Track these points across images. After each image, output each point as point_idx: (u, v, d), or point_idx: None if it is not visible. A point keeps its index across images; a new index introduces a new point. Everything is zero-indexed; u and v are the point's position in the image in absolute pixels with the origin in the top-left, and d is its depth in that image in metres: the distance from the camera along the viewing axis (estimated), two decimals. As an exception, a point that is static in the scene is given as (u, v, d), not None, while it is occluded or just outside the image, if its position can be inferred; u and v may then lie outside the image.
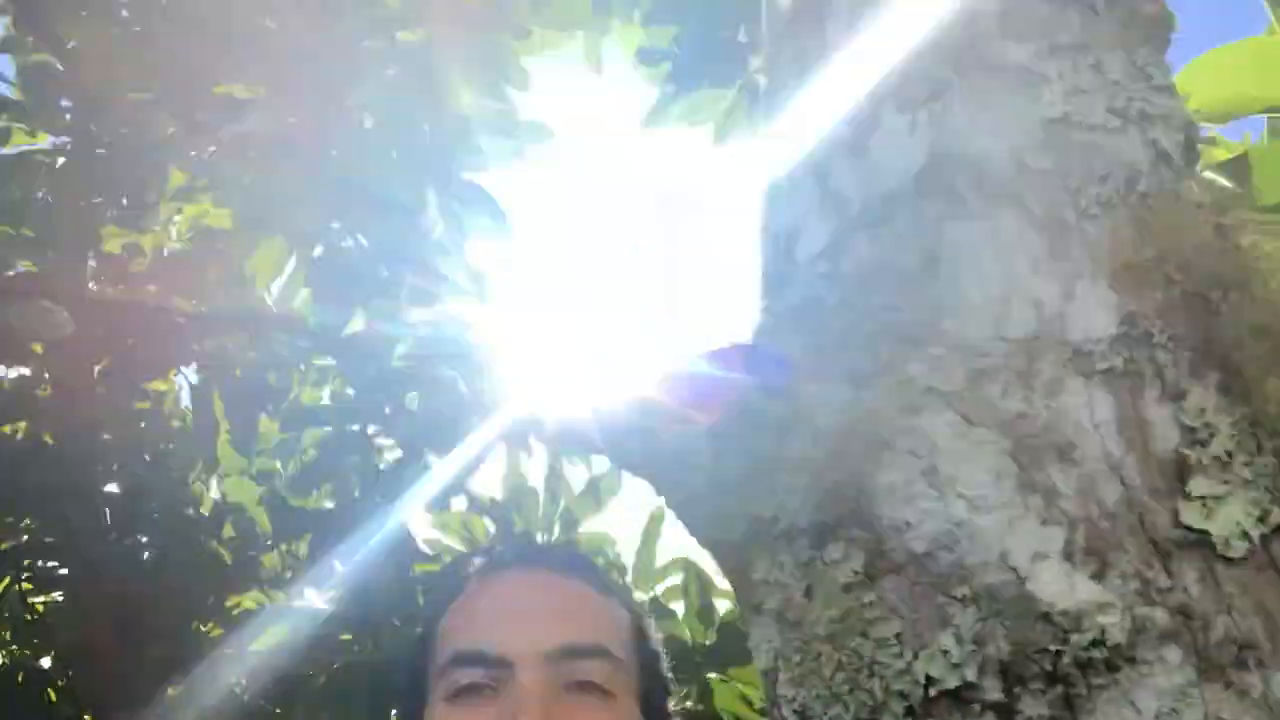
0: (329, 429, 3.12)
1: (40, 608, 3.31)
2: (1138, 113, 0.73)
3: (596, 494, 3.01)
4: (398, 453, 3.29)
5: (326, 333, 2.96)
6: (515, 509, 3.02)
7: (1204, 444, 0.60)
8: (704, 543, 0.67)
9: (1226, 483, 0.59)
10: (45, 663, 3.33)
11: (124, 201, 2.69)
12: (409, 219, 2.71)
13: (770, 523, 0.62)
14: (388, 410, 3.36)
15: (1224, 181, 1.10)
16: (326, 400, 3.20)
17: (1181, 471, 0.59)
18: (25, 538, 2.74)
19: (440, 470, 3.23)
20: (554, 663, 0.85)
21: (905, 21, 0.81)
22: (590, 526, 3.06)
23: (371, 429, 3.34)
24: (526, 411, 3.30)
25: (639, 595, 3.09)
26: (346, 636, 3.05)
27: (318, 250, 2.74)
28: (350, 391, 3.27)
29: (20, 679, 3.16)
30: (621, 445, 0.65)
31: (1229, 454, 0.60)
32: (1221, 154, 1.17)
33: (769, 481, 0.63)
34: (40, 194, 2.84)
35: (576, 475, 3.25)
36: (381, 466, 3.32)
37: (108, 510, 2.77)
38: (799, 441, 0.63)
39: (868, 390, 0.65)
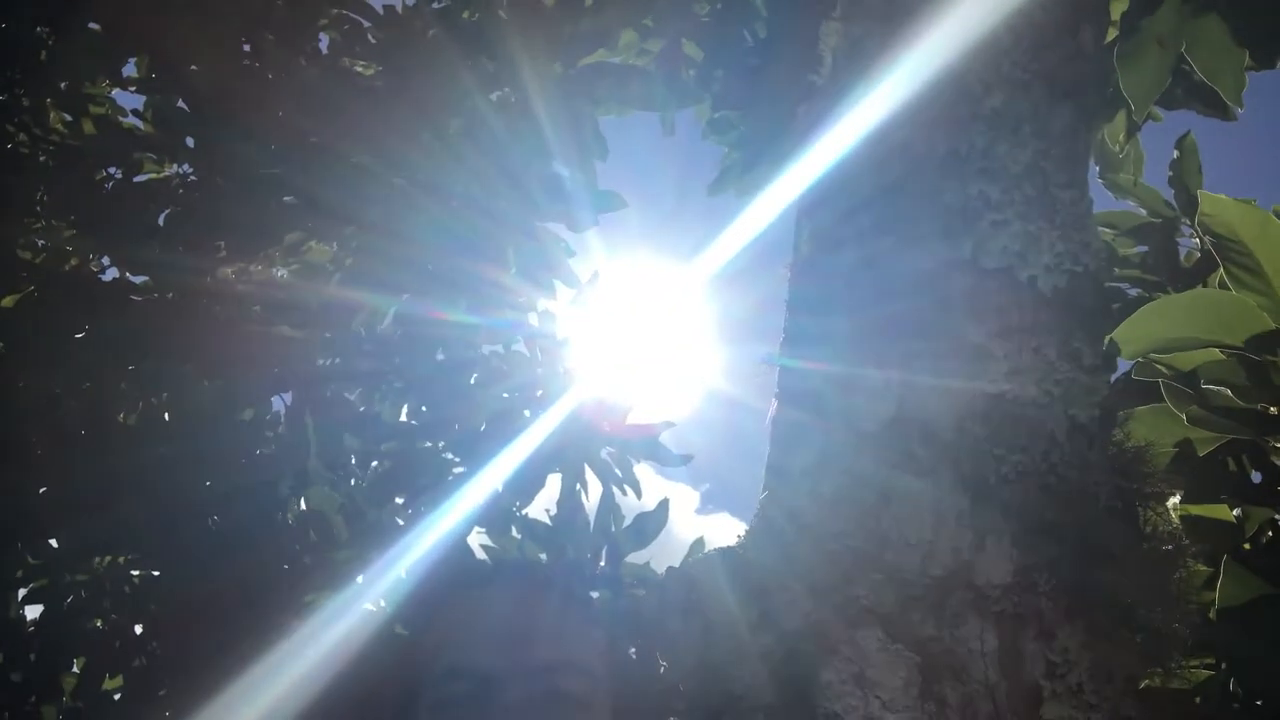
0: (403, 444, 3.42)
1: (137, 580, 3.66)
2: (1063, 391, 0.94)
3: (642, 531, 3.26)
4: (463, 469, 3.57)
5: (410, 361, 3.26)
6: (567, 537, 3.28)
7: (1062, 676, 0.82)
8: (690, 709, 0.90)
9: (1073, 708, 0.81)
10: (138, 629, 3.68)
11: (238, 231, 3.01)
12: (488, 268, 2.98)
13: (739, 699, 0.85)
14: (457, 428, 3.64)
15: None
16: (404, 417, 3.51)
17: (1040, 697, 0.81)
18: (131, 525, 3.09)
19: (497, 487, 3.49)
20: (536, 677, 0.94)
21: (897, 284, 1.03)
22: (634, 558, 3.32)
23: (441, 445, 3.62)
24: (584, 430, 3.56)
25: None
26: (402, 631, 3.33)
27: (405, 296, 3.03)
28: (425, 409, 3.56)
29: (117, 645, 3.53)
30: (645, 629, 0.89)
31: (1080, 685, 0.82)
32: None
33: (742, 666, 0.86)
34: (163, 218, 3.16)
35: (628, 504, 3.50)
36: (449, 479, 3.60)
37: (204, 505, 3.10)
38: (768, 638, 0.86)
39: (824, 602, 0.87)
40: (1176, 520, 1.14)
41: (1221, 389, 1.19)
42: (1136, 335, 1.12)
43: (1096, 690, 0.81)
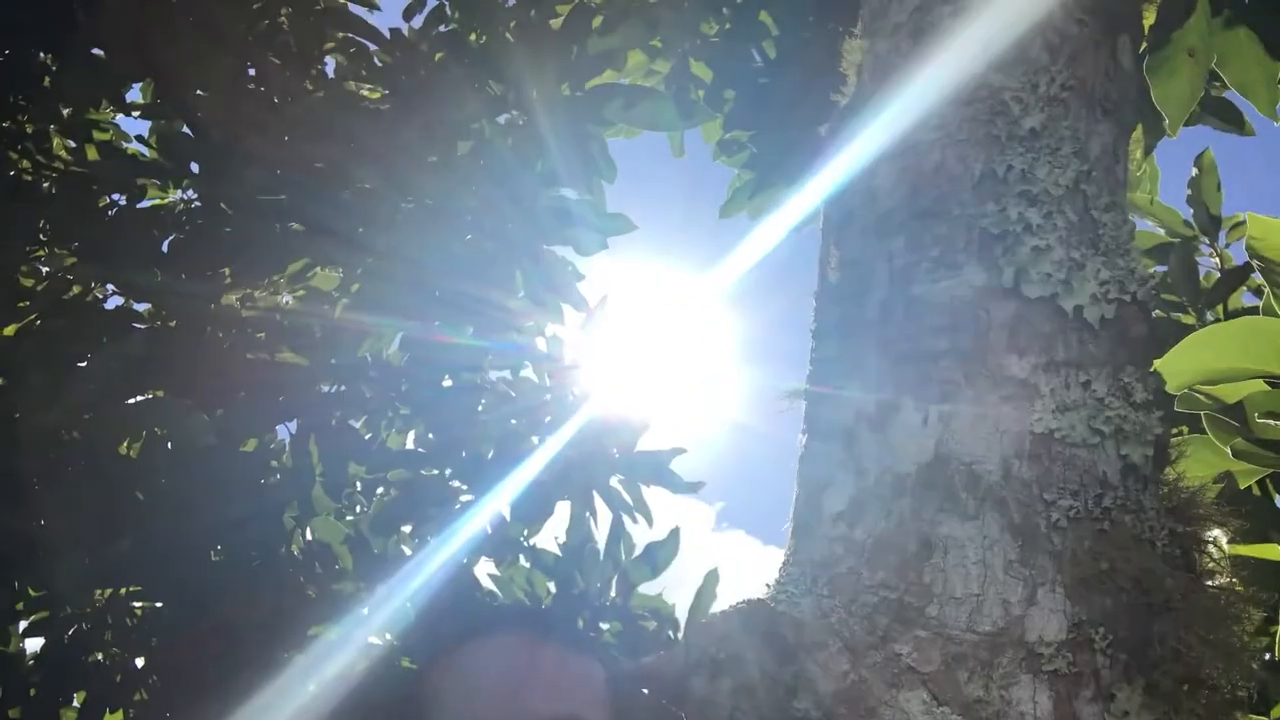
0: (409, 472, 3.36)
1: (139, 612, 3.61)
2: (1114, 430, 0.88)
3: (653, 560, 3.20)
4: (470, 497, 3.51)
5: (417, 387, 3.21)
6: (576, 567, 3.22)
7: (1125, 743, 0.75)
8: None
9: (1139, 779, 0.74)
10: (139, 662, 3.62)
11: (243, 258, 2.96)
12: (496, 292, 2.93)
13: (775, 767, 0.79)
14: (464, 455, 3.58)
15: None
16: (410, 445, 3.45)
17: (1102, 767, 0.75)
18: (132, 558, 3.03)
19: (504, 515, 3.42)
20: None
21: (932, 315, 0.97)
22: (646, 589, 3.25)
23: (448, 472, 3.56)
24: (592, 457, 3.50)
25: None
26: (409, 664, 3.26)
27: (412, 321, 2.98)
28: (431, 437, 3.50)
29: (118, 679, 3.46)
30: (666, 690, 0.83)
31: (1145, 753, 0.75)
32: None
33: (777, 732, 0.80)
34: (167, 245, 3.12)
35: (639, 533, 3.43)
36: (456, 508, 3.54)
37: (206, 537, 3.04)
38: (803, 702, 0.80)
39: (863, 661, 0.81)
40: (1226, 562, 1.07)
41: (1275, 423, 1.13)
42: (1182, 366, 1.07)
43: (1162, 758, 0.75)
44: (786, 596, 0.88)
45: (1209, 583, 0.86)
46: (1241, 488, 1.35)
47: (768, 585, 0.92)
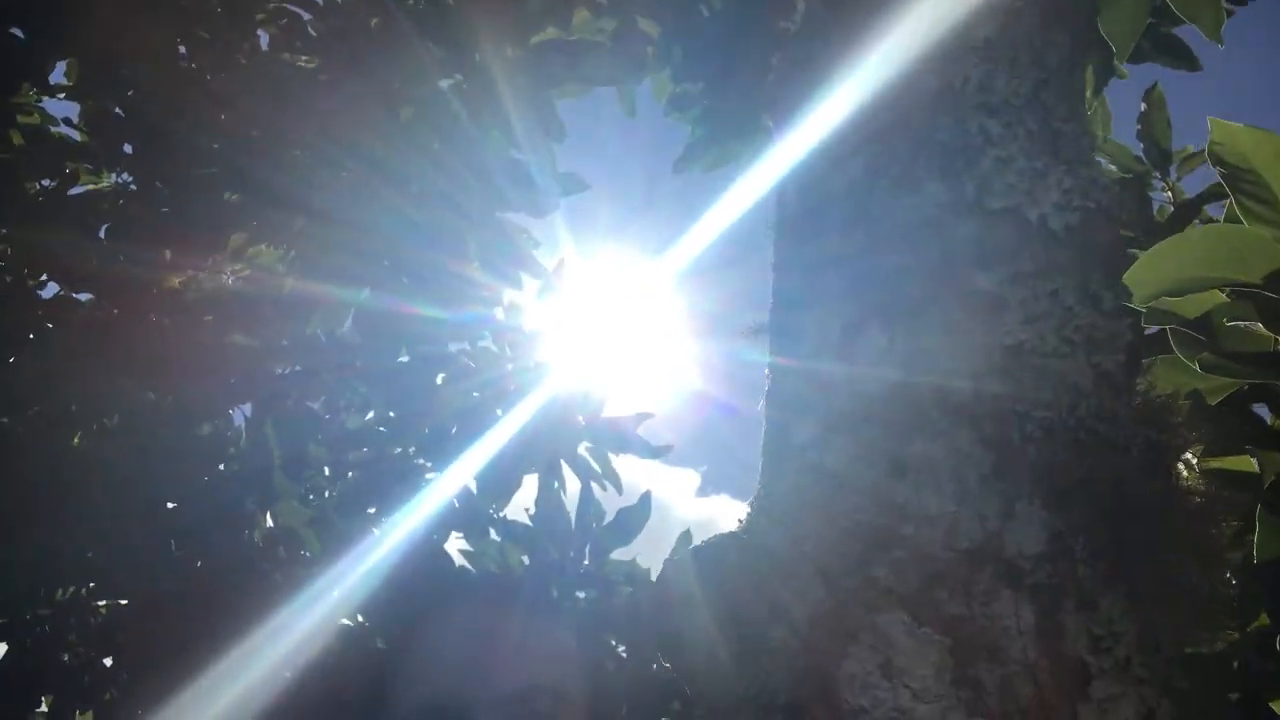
0: (371, 451, 3.30)
1: (103, 611, 3.52)
2: (1085, 338, 0.86)
3: (625, 526, 3.16)
4: (435, 474, 3.45)
5: (373, 363, 3.14)
6: (548, 537, 3.18)
7: (1109, 650, 0.73)
8: (706, 709, 0.81)
9: (1122, 684, 0.72)
10: (107, 662, 3.55)
11: (183, 239, 2.87)
12: (450, 260, 2.87)
13: (754, 699, 0.77)
14: (427, 431, 3.52)
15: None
16: (370, 422, 3.38)
17: (1086, 674, 0.73)
18: (90, 554, 2.95)
19: (472, 490, 3.38)
20: (504, 708, 0.91)
21: (894, 235, 0.94)
22: (620, 554, 3.22)
23: (411, 450, 3.50)
24: (558, 426, 3.46)
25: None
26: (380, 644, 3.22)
27: (365, 293, 2.91)
28: (392, 414, 3.44)
29: (86, 680, 3.39)
30: (643, 634, 0.80)
31: (1128, 658, 0.73)
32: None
33: (754, 663, 0.77)
34: (103, 231, 3.02)
35: (615, 501, 3.40)
36: (422, 484, 3.48)
37: (166, 527, 2.97)
38: (780, 630, 0.77)
39: (839, 587, 0.78)
40: (1199, 473, 1.06)
41: (1250, 325, 1.12)
42: (1149, 277, 1.05)
43: (1145, 662, 0.73)
44: (759, 528, 0.85)
45: (1185, 490, 0.85)
46: (1212, 404, 1.34)
47: (740, 520, 0.89)
